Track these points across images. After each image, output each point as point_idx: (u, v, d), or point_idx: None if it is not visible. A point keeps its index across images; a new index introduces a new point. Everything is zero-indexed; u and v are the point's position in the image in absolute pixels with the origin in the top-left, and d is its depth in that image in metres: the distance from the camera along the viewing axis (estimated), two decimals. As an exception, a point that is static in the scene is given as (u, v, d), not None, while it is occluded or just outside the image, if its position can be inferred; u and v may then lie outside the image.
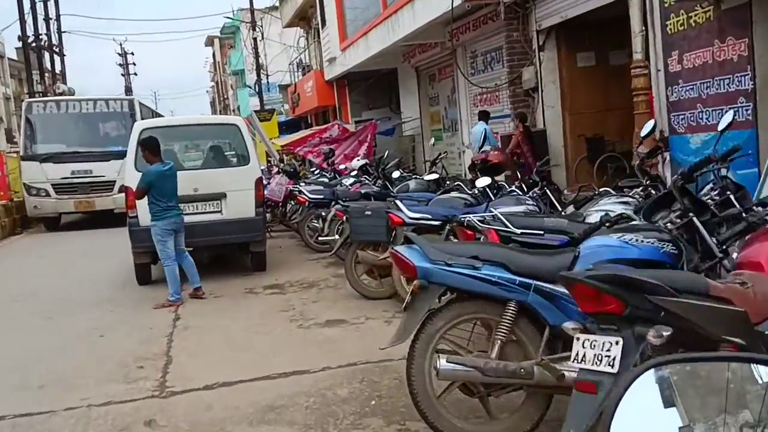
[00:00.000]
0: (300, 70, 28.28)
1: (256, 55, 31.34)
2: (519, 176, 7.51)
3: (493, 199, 6.56)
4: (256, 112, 21.81)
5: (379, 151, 17.39)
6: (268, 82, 34.86)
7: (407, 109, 20.56)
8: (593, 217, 4.61)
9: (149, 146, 7.41)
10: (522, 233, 4.08)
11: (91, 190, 15.54)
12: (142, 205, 8.22)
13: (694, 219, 3.20)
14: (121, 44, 54.93)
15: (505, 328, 3.14)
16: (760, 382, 0.92)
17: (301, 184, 12.29)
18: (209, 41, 62.94)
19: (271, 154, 16.87)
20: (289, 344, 5.52)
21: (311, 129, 20.78)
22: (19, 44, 24.19)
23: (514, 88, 12.02)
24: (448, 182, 9.81)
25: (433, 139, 13.60)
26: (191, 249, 7.67)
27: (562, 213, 5.60)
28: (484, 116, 11.21)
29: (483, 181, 6.66)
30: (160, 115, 21.67)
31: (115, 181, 15.06)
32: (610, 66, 11.71)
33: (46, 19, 24.95)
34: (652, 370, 0.89)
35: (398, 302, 6.43)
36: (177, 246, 7.56)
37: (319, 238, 9.15)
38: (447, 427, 3.28)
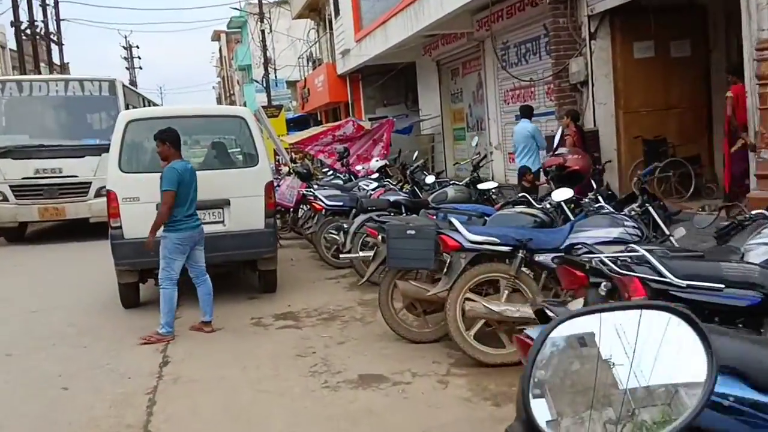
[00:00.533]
0: (310, 63, 26.80)
1: (264, 48, 29.87)
2: (594, 185, 6.01)
3: (572, 217, 5.08)
4: (263, 107, 20.33)
5: (393, 151, 16.03)
6: (276, 77, 33.41)
7: (426, 106, 19.09)
8: (758, 254, 3.17)
9: (171, 139, 6.04)
10: (688, 286, 2.61)
11: (61, 194, 12.39)
12: (128, 214, 6.79)
13: None
14: (126, 37, 54.05)
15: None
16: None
17: (314, 186, 10.83)
18: (216, 36, 61.84)
19: (280, 152, 15.34)
20: (312, 416, 4.04)
21: (323, 126, 19.28)
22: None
23: (559, 82, 10.51)
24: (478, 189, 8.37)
25: (476, 138, 12.08)
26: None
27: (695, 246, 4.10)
28: (527, 112, 9.68)
29: (562, 194, 5.20)
30: (153, 104, 18.42)
31: (90, 183, 12.30)
32: (672, 58, 10.22)
33: (43, 5, 23.47)
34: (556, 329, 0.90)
35: (450, 348, 4.96)
36: (196, 263, 6.22)
37: (340, 255, 7.65)
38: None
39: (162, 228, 5.99)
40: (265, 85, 30.09)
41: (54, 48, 26.34)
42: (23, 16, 21.59)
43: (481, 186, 8.44)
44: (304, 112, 28.68)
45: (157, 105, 20.62)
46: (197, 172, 6.98)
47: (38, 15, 23.29)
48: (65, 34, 26.21)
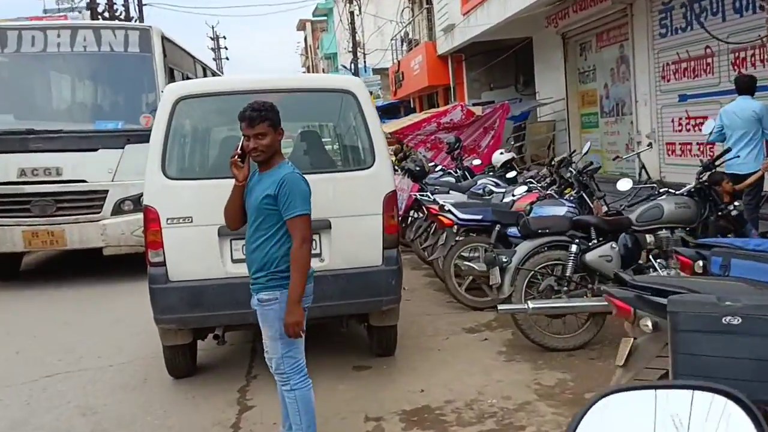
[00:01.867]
0: (406, 44, 24.15)
1: (353, 31, 27.47)
2: None
3: None
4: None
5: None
6: (365, 63, 31.00)
7: (546, 89, 16.08)
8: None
9: (277, 122, 3.39)
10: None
11: (59, 210, 8.02)
12: (176, 243, 4.41)
13: None
14: (213, 27, 53.50)
15: None
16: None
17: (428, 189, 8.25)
18: (301, 25, 60.78)
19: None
20: None
21: (425, 113, 16.59)
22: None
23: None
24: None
25: (588, 144, 8.55)
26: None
27: None
28: (748, 85, 6.62)
29: None
30: (212, 72, 13.21)
31: (106, 192, 8.06)
32: None
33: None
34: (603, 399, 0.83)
35: None
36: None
37: (498, 307, 4.93)
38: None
39: (261, 285, 3.38)
40: (353, 71, 27.72)
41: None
42: (99, -1, 19.89)
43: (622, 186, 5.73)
44: (395, 99, 26.08)
45: (217, 74, 15.44)
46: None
47: (117, -2, 21.63)
48: (147, 20, 24.45)
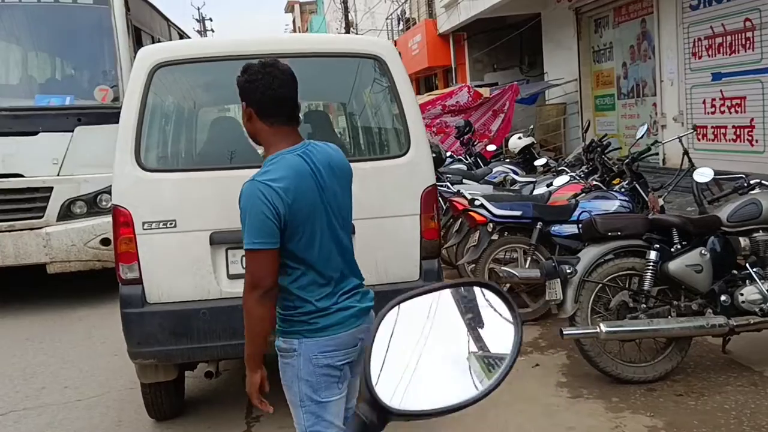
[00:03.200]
0: (402, 23, 23.01)
1: (345, 11, 26.31)
2: None
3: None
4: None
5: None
6: (357, 43, 29.79)
7: (555, 69, 15.07)
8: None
9: (274, 101, 2.27)
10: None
11: None
12: (155, 255, 3.39)
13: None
14: (198, 9, 52.14)
15: None
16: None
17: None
18: (289, 7, 59.65)
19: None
20: None
21: (428, 94, 15.53)
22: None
23: None
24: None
25: (645, 126, 7.28)
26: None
27: None
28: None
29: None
30: (184, 35, 10.74)
31: (50, 190, 6.24)
32: None
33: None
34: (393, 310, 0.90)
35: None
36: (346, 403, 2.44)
37: (563, 331, 3.91)
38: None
39: (280, 323, 2.34)
40: (346, 51, 26.57)
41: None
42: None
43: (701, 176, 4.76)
44: (391, 83, 24.98)
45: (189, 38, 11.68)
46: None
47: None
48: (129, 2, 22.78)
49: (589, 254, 4.05)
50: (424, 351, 0.90)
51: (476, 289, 0.96)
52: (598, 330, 3.79)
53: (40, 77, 7.23)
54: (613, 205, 5.36)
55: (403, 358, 0.89)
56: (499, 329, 0.94)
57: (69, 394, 4.52)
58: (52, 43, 7.10)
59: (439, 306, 0.93)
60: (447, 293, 0.94)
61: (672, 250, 4.01)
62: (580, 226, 4.37)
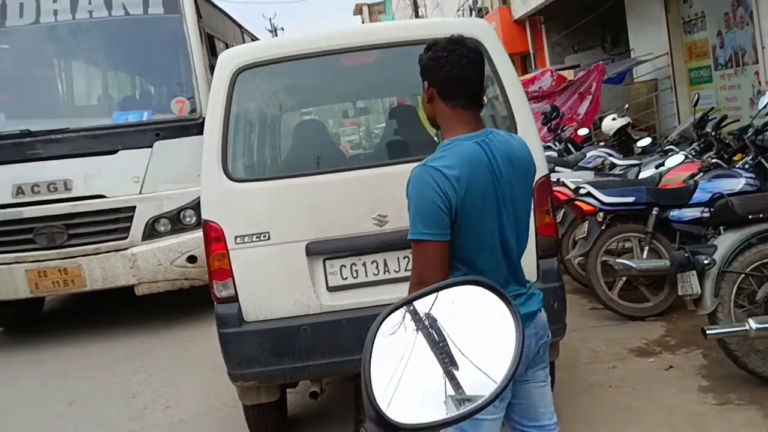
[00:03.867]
0: (475, 13, 22.47)
1: (415, 6, 26.02)
2: None
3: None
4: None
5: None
6: (428, 39, 29.53)
7: (642, 45, 14.20)
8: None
9: (458, 81, 2.03)
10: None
11: (72, 237, 6.02)
12: (250, 270, 3.17)
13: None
14: (270, 19, 53.11)
15: None
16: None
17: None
18: (358, 9, 59.91)
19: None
20: None
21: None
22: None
23: None
24: None
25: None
26: None
27: None
28: None
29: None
30: (253, 37, 10.04)
31: (133, 209, 6.04)
32: None
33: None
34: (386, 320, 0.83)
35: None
36: (532, 412, 2.15)
37: (706, 330, 3.42)
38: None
39: None
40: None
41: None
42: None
43: None
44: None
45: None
46: (381, 171, 3.29)
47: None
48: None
49: (727, 241, 3.57)
50: (426, 359, 0.85)
51: (468, 288, 0.91)
52: (747, 327, 3.30)
53: (116, 94, 7.14)
54: (738, 183, 4.80)
55: (406, 369, 0.84)
56: (499, 327, 0.89)
57: (172, 414, 4.40)
58: (125, 58, 6.97)
59: (435, 310, 0.88)
60: (441, 295, 0.88)
61: (826, 231, 3.48)
62: (710, 209, 3.87)
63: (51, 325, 6.97)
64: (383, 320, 0.85)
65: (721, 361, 3.81)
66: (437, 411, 0.81)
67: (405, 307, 0.87)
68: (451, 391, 0.83)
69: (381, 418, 0.81)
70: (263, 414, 3.57)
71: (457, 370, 0.85)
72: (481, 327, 0.89)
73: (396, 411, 0.80)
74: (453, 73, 2.01)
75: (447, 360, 0.84)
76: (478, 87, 2.08)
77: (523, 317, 1.93)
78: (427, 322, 0.86)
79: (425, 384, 0.83)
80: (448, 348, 0.85)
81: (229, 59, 3.24)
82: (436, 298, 0.89)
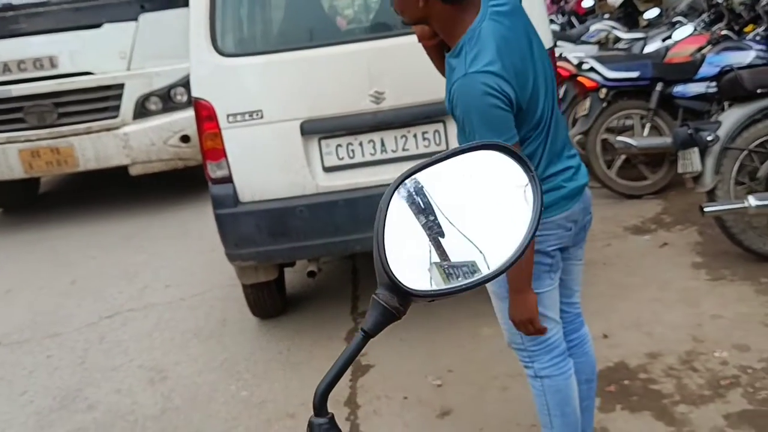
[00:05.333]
0: None
1: None
2: None
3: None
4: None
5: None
6: None
7: None
8: None
9: None
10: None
11: (63, 117, 5.89)
12: (243, 150, 3.10)
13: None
14: None
15: None
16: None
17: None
18: None
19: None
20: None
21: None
22: None
23: None
24: None
25: None
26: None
27: None
28: None
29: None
30: None
31: (122, 86, 5.85)
32: None
33: None
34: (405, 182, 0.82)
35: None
36: (570, 289, 2.16)
37: (703, 208, 3.41)
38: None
39: None
40: None
41: None
42: None
43: None
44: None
45: None
46: (376, 44, 3.15)
47: None
48: None
49: (733, 116, 3.48)
50: (441, 225, 0.84)
51: (484, 153, 0.88)
52: (746, 204, 3.29)
53: None
54: (748, 56, 4.62)
55: (420, 235, 0.82)
56: (517, 189, 0.85)
57: (172, 293, 4.47)
58: None
59: (450, 175, 0.86)
60: (457, 160, 0.86)
61: (835, 105, 3.38)
62: (717, 84, 3.75)
63: (50, 206, 6.97)
64: (400, 183, 0.82)
65: (716, 238, 3.83)
66: (446, 281, 0.81)
67: (421, 171, 0.84)
68: (460, 262, 0.82)
69: (394, 284, 0.79)
70: (262, 292, 3.62)
71: (471, 235, 0.83)
72: (499, 197, 0.86)
73: (408, 278, 0.79)
74: None
75: (461, 225, 0.83)
76: None
77: (573, 191, 1.91)
78: (442, 188, 0.84)
79: (439, 250, 0.82)
80: (461, 225, 0.83)
81: None
82: (449, 165, 0.86)
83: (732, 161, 3.48)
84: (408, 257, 0.81)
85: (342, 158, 3.16)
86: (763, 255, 3.54)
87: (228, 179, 3.13)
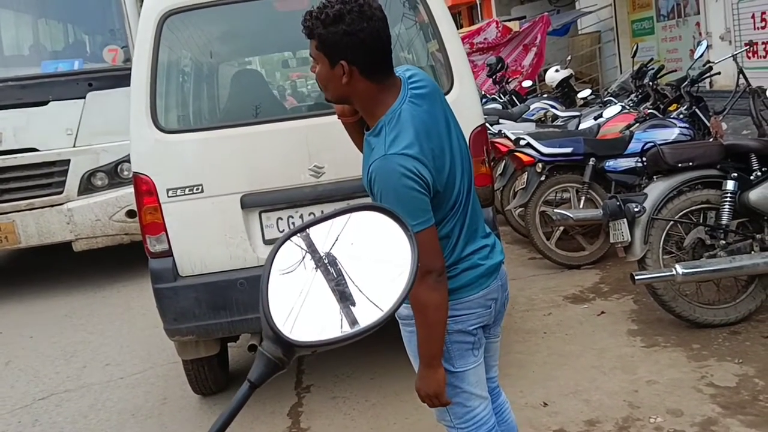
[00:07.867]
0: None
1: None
2: None
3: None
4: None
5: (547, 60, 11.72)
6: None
7: (587, -5, 14.28)
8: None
9: (384, 53, 1.80)
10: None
11: (5, 193, 5.91)
12: (183, 224, 3.10)
13: None
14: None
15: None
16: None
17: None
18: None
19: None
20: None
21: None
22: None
23: None
24: None
25: (704, 44, 6.59)
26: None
27: None
28: None
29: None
30: None
31: (68, 162, 5.89)
32: None
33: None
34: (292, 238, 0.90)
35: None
36: (488, 364, 2.12)
37: (635, 277, 3.54)
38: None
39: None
40: None
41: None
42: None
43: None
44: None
45: None
46: (318, 121, 3.24)
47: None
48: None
49: (657, 189, 3.66)
50: (326, 279, 0.89)
51: (364, 214, 0.94)
52: (674, 272, 3.42)
53: (47, 43, 6.85)
54: (672, 133, 4.92)
55: (301, 289, 0.88)
56: (395, 247, 0.91)
57: (111, 372, 4.35)
58: (55, 5, 6.73)
59: (338, 233, 0.91)
60: (338, 221, 0.91)
61: (751, 177, 3.60)
62: (643, 159, 3.96)
63: (-14, 284, 6.78)
64: (287, 239, 0.87)
65: (650, 306, 3.95)
66: (332, 330, 0.85)
67: (300, 233, 0.89)
68: (345, 317, 0.86)
69: (277, 336, 0.83)
70: (203, 368, 3.56)
71: (351, 299, 0.87)
72: (379, 255, 0.91)
73: (291, 330, 0.84)
74: (377, 46, 1.75)
75: (342, 289, 0.88)
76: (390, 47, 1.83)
77: (490, 268, 1.94)
78: (322, 252, 0.89)
79: (321, 304, 0.86)
80: (344, 280, 0.88)
81: (155, 4, 3.11)
82: (331, 224, 0.91)
83: (659, 231, 3.64)
84: (292, 310, 0.84)
85: (283, 230, 3.20)
86: (694, 321, 3.66)
87: (168, 253, 3.13)
